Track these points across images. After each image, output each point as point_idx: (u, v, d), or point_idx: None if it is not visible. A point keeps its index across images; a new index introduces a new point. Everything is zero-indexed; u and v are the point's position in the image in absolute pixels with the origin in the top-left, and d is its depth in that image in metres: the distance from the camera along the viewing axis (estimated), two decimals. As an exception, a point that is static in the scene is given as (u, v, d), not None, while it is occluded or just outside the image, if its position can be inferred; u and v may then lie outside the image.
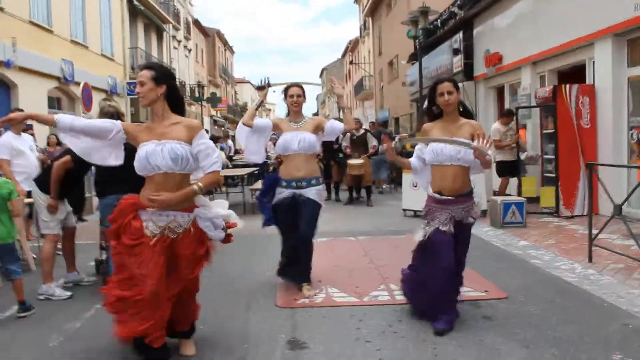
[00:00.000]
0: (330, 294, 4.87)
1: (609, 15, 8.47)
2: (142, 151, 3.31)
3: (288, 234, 4.96)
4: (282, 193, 4.87)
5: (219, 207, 3.58)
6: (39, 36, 14.13)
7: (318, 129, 4.98)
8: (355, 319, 4.17)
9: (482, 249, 6.55)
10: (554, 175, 9.10)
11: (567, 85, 9.04)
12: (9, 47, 12.11)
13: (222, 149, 21.11)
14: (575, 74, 10.18)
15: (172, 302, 3.39)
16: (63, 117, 3.32)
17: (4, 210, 4.51)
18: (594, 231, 5.76)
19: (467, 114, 4.09)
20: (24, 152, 6.62)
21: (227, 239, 3.60)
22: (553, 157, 9.13)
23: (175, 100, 3.48)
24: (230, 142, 19.90)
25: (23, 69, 12.88)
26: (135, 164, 3.33)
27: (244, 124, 4.94)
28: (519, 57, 11.85)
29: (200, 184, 3.35)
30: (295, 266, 4.94)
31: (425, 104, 4.18)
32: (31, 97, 13.18)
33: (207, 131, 20.44)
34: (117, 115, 4.96)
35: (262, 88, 5.14)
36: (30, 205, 6.10)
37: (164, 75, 3.43)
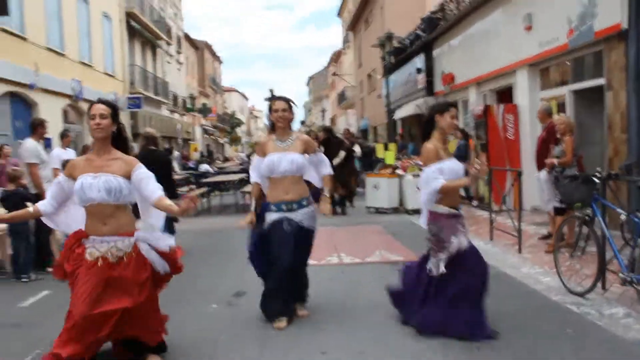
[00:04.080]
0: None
1: (524, 50, 10.67)
2: (78, 183, 3.41)
3: (279, 259, 4.47)
4: (272, 216, 4.54)
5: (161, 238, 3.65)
6: (55, 60, 16.00)
7: (307, 151, 4.63)
8: (310, 274, 6.21)
9: (418, 231, 8.64)
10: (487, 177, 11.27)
11: (496, 105, 11.23)
12: (32, 72, 14.00)
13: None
14: (510, 93, 12.35)
15: (111, 326, 3.37)
16: (43, 206, 3.58)
17: None
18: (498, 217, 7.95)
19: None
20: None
21: (177, 269, 3.75)
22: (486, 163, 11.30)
23: (122, 139, 3.62)
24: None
25: (43, 90, 14.79)
26: (75, 195, 3.49)
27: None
28: (467, 78, 14.06)
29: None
30: (277, 299, 4.60)
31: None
32: (49, 113, 15.01)
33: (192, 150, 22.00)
34: (155, 138, 6.73)
35: (271, 99, 4.75)
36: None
37: (118, 115, 3.58)
